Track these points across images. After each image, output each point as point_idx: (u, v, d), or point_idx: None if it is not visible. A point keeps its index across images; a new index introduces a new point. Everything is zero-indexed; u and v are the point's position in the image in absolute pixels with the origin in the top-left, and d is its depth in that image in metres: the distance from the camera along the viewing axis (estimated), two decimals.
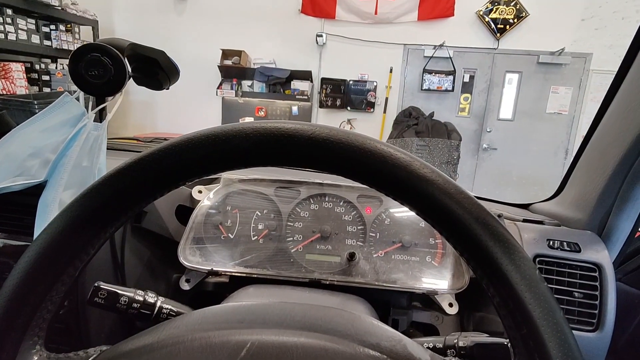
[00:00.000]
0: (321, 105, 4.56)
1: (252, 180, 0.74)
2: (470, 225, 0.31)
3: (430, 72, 4.47)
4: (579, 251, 0.55)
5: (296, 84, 4.36)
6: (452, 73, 4.43)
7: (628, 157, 0.50)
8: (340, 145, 0.31)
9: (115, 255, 0.62)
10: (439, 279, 0.66)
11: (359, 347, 0.35)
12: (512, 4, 4.25)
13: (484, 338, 0.47)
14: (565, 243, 0.56)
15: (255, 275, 0.65)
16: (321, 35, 4.38)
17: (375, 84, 4.52)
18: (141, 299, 0.50)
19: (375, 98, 4.54)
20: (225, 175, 0.75)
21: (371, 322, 0.42)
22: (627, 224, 0.55)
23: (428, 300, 0.70)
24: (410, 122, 4.24)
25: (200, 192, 0.74)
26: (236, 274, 0.66)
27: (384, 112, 4.58)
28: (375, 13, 4.33)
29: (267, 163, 0.33)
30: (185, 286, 0.68)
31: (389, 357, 0.35)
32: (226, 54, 4.39)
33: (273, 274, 0.66)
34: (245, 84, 4.43)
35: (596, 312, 0.53)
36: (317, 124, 0.33)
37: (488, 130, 4.58)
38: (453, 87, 4.46)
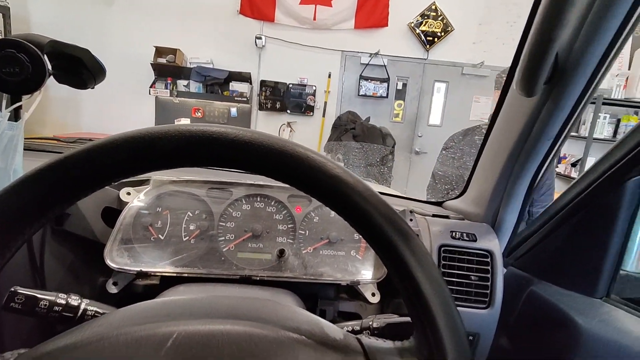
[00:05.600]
0: (261, 108, 4.55)
1: (184, 182, 0.75)
2: (376, 219, 0.36)
3: (366, 78, 4.67)
4: (475, 240, 0.64)
5: (235, 86, 4.30)
6: (387, 80, 4.67)
7: (510, 161, 0.60)
8: (262, 147, 0.34)
9: (33, 259, 0.59)
10: (361, 270, 0.72)
11: (281, 331, 0.39)
12: (439, 19, 4.59)
13: (394, 319, 0.54)
14: (464, 234, 0.65)
15: (186, 275, 0.66)
16: (260, 38, 4.37)
17: (314, 88, 4.62)
18: (63, 302, 0.49)
19: (314, 102, 4.63)
20: (155, 176, 0.75)
21: (293, 310, 0.46)
22: (512, 217, 0.65)
23: (353, 291, 0.75)
24: (348, 126, 4.39)
25: (128, 193, 0.73)
26: (166, 274, 0.66)
27: (323, 116, 4.69)
28: (314, 19, 4.42)
29: (191, 164, 0.35)
30: (113, 289, 0.67)
31: (307, 338, 0.39)
32: (160, 51, 4.21)
33: (204, 272, 0.67)
34: (181, 83, 4.28)
35: (488, 292, 0.63)
36: (240, 127, 0.36)
37: (419, 135, 4.89)
38: (387, 94, 4.70)
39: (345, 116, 4.46)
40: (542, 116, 0.50)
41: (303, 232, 0.75)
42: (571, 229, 0.65)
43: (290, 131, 4.63)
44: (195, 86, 4.28)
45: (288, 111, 4.59)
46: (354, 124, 4.36)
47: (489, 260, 0.63)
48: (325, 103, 4.67)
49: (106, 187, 0.73)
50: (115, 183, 0.75)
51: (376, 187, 1.23)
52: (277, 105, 4.54)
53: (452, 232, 0.65)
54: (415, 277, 0.36)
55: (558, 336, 0.62)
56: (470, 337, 0.64)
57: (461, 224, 0.68)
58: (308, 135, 4.66)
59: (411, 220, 0.65)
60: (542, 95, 0.49)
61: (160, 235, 0.70)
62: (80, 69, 0.72)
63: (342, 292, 0.78)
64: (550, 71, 0.46)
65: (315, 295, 0.74)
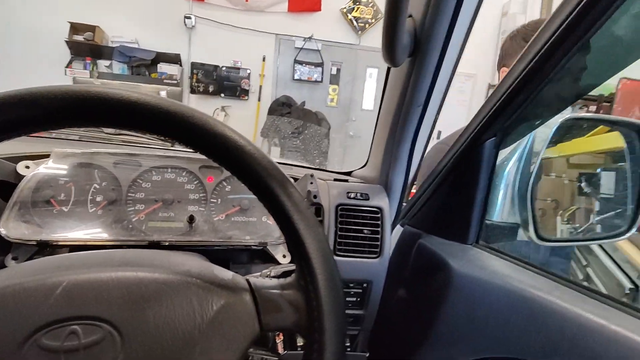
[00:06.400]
0: (193, 91, 4.40)
1: (88, 154, 0.74)
2: (256, 169, 0.40)
3: (301, 62, 4.70)
4: (368, 199, 0.73)
5: (163, 67, 4.11)
6: (321, 65, 4.74)
7: (393, 127, 0.68)
8: (149, 107, 0.37)
9: None
10: (270, 232, 0.77)
11: (171, 275, 0.43)
12: (370, 5, 4.73)
13: (290, 266, 0.60)
14: (359, 194, 0.73)
15: (91, 243, 0.67)
16: (190, 17, 4.20)
17: (248, 71, 4.55)
18: None
19: (249, 86, 4.57)
20: (57, 149, 0.73)
21: (185, 257, 0.49)
22: (400, 178, 0.75)
23: (266, 255, 0.80)
24: (284, 110, 4.42)
25: (27, 167, 0.70)
26: (69, 243, 0.66)
27: (259, 100, 4.65)
28: (246, 0, 4.34)
29: (76, 124, 0.37)
30: (12, 264, 0.65)
31: (196, 279, 0.43)
32: (76, 28, 3.87)
33: (111, 240, 0.68)
34: (103, 64, 3.98)
35: (378, 243, 0.71)
36: (127, 90, 0.38)
37: (353, 119, 5.05)
38: (322, 79, 4.78)
39: (281, 100, 4.48)
40: (410, 85, 0.58)
41: (215, 201, 0.78)
42: (448, 187, 0.76)
43: (225, 115, 4.54)
44: (118, 67, 4.01)
45: (222, 95, 4.49)
46: (289, 109, 4.40)
47: (379, 216, 0.72)
48: (261, 87, 4.64)
49: (1, 160, 0.70)
50: (10, 155, 0.72)
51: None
52: (211, 89, 4.42)
53: (348, 192, 0.72)
54: (290, 216, 0.41)
55: (438, 278, 0.73)
56: (365, 284, 0.72)
57: (357, 186, 0.75)
58: (244, 120, 4.60)
59: (311, 183, 0.71)
60: (409, 67, 0.57)
61: (63, 208, 0.69)
62: None
63: (255, 257, 0.82)
64: (412, 45, 0.54)
65: (227, 260, 0.78)
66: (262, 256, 0.82)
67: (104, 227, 0.69)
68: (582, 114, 0.95)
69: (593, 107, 4.24)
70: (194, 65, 4.36)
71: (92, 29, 3.91)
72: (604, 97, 4.10)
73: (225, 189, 0.80)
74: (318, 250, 0.42)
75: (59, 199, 0.69)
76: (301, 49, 4.66)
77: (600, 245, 1.67)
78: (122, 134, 1.03)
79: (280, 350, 0.72)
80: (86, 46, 3.92)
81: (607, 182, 0.91)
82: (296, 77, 4.70)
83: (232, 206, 0.79)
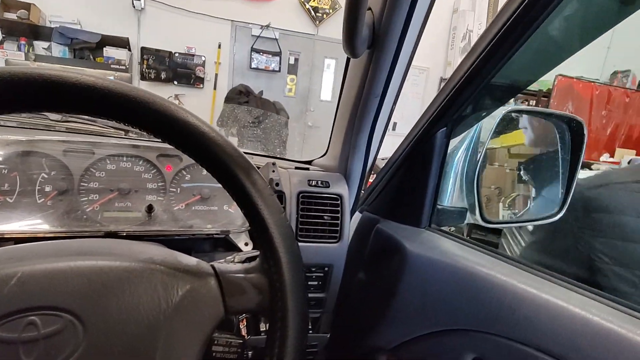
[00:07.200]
0: (143, 78, 4.19)
1: (34, 142, 0.70)
2: (219, 155, 0.41)
3: (258, 51, 4.62)
4: (328, 187, 0.75)
5: (110, 52, 3.87)
6: (279, 54, 4.69)
7: (352, 117, 0.71)
8: (108, 91, 0.36)
9: None
10: (232, 221, 0.78)
11: (133, 262, 0.42)
12: None
13: (254, 253, 0.61)
14: (319, 181, 0.75)
15: (42, 235, 0.64)
16: None
17: (203, 58, 4.41)
18: None
19: (204, 73, 4.43)
20: None
21: (147, 245, 0.49)
22: (359, 166, 0.78)
23: (229, 244, 0.81)
24: (241, 99, 4.33)
25: None
26: (16, 236, 0.63)
27: (214, 88, 4.53)
28: None
29: (26, 109, 0.36)
30: None
31: (160, 265, 0.43)
32: (7, 5, 3.53)
33: (63, 231, 0.65)
34: (40, 45, 3.67)
35: (338, 229, 0.74)
36: (83, 73, 0.37)
37: (311, 110, 5.07)
38: (280, 68, 4.74)
39: (238, 89, 4.38)
40: (369, 76, 0.61)
41: (174, 190, 0.77)
42: (402, 175, 0.81)
43: (179, 104, 4.36)
44: (59, 49, 3.72)
45: (175, 82, 4.32)
46: (247, 98, 4.32)
47: (339, 202, 0.75)
48: (216, 75, 4.51)
49: None
50: None
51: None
52: (163, 76, 4.24)
53: (309, 180, 0.74)
54: (255, 203, 0.42)
55: (394, 260, 0.77)
56: (326, 268, 0.75)
57: (318, 174, 0.78)
58: (199, 109, 4.46)
59: (273, 171, 0.72)
60: (368, 58, 0.60)
61: (8, 198, 0.65)
62: None
63: (218, 246, 0.83)
64: (370, 37, 0.56)
65: (189, 249, 0.77)
66: (224, 244, 0.82)
67: (54, 218, 0.66)
68: (521, 106, 1.04)
69: (533, 101, 4.57)
70: (144, 51, 4.14)
71: (26, 6, 3.59)
72: (542, 92, 4.43)
73: (185, 178, 0.79)
74: (282, 235, 0.44)
75: (3, 189, 0.65)
76: (258, 37, 4.58)
77: None
78: (69, 121, 0.97)
79: (244, 335, 0.73)
80: (20, 25, 3.59)
81: (543, 169, 1.01)
82: (253, 65, 4.62)
83: (193, 195, 0.78)
